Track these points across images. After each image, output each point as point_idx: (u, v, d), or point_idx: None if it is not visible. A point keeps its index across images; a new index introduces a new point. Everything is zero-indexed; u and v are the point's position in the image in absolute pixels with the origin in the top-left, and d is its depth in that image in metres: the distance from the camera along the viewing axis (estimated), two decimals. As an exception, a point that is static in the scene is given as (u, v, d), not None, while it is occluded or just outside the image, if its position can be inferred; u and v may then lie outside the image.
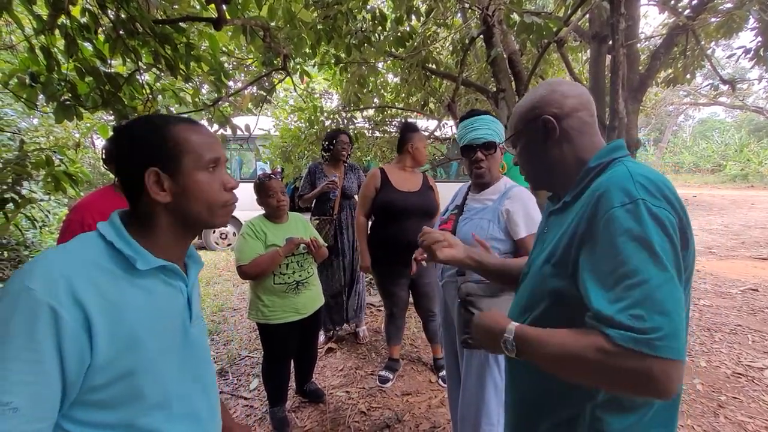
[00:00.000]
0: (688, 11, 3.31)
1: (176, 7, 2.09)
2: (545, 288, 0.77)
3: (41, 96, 1.88)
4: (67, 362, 0.58)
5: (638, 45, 3.47)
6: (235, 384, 2.56)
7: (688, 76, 4.23)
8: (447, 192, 2.48)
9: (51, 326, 0.57)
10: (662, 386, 0.56)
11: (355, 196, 3.08)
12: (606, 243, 0.63)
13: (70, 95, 1.85)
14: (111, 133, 1.58)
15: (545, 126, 0.80)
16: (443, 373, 2.53)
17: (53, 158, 2.23)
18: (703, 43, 3.85)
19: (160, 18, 1.91)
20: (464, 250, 1.10)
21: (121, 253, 0.68)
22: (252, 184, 2.06)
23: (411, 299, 2.58)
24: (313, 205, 3.03)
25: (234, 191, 0.78)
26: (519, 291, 0.91)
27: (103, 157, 1.60)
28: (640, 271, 0.59)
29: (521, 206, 1.44)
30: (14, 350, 0.55)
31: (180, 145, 0.71)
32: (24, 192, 2.56)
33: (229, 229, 6.63)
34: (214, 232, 6.61)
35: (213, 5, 1.59)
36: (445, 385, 2.45)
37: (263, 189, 1.97)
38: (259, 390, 2.46)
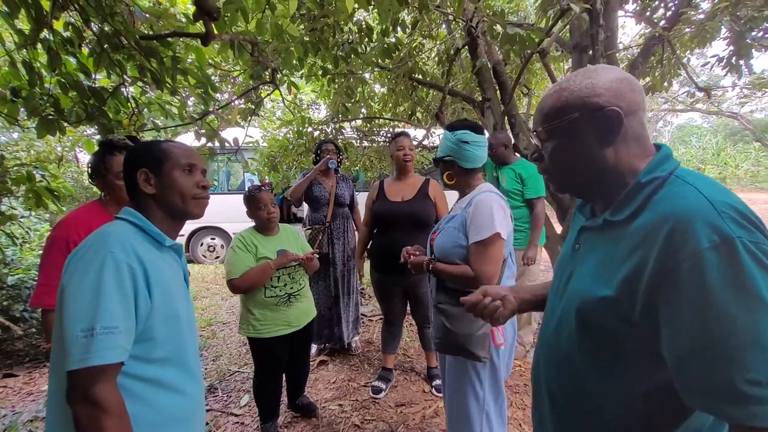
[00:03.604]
0: (663, 22, 3.43)
1: (161, 22, 2.08)
2: (596, 323, 0.66)
3: (22, 110, 1.85)
4: (138, 302, 0.83)
5: (617, 54, 3.57)
6: (225, 400, 2.51)
7: (665, 84, 4.37)
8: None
9: (129, 277, 0.82)
10: None
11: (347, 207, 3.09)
12: (696, 295, 0.52)
13: (52, 110, 1.82)
14: (96, 148, 1.57)
15: (609, 120, 0.64)
16: (437, 382, 2.52)
17: (34, 174, 2.17)
18: (678, 52, 3.99)
19: (146, 33, 1.90)
20: (512, 294, 0.95)
21: (148, 234, 0.92)
22: (240, 196, 2.04)
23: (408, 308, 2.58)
24: (306, 216, 3.02)
25: (206, 189, 1.01)
26: (551, 314, 0.80)
27: (89, 171, 1.57)
28: (747, 327, 0.50)
29: (475, 213, 1.40)
30: (111, 292, 0.79)
31: (163, 154, 0.96)
32: (4, 208, 2.49)
33: (217, 241, 6.53)
34: (201, 245, 6.51)
35: (201, 21, 1.59)
36: (440, 395, 2.44)
37: (253, 201, 1.95)
38: (250, 406, 2.41)
